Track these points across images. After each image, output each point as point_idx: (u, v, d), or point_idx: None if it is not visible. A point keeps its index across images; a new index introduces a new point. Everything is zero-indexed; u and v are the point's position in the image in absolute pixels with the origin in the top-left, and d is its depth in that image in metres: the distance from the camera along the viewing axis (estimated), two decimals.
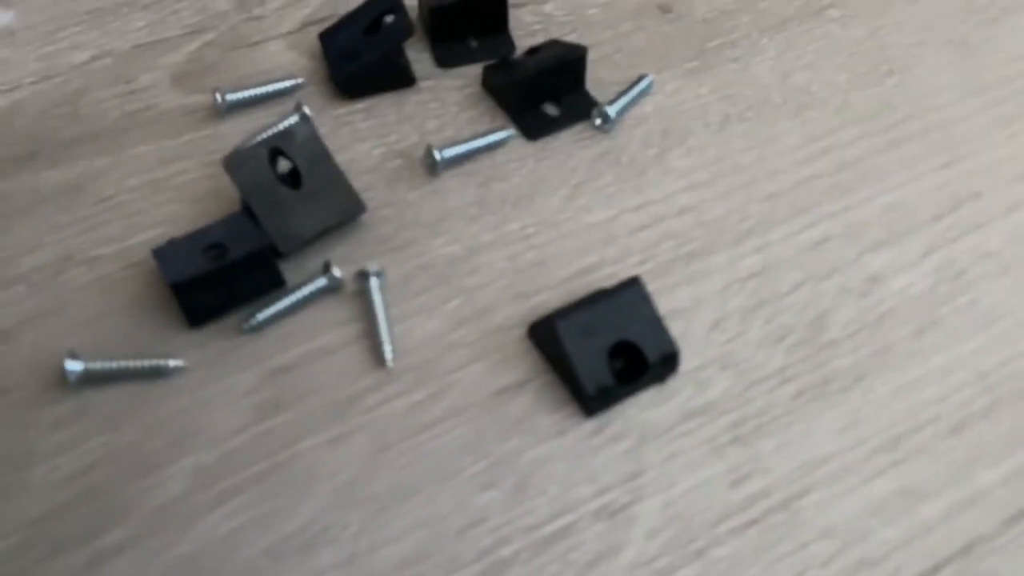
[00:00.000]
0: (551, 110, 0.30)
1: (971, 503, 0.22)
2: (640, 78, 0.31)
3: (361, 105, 0.31)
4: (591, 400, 0.23)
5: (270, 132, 0.27)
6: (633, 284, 0.24)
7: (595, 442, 0.23)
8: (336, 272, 0.25)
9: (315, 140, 0.27)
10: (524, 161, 0.29)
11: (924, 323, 0.26)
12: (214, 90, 0.30)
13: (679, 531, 0.22)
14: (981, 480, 0.23)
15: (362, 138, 0.30)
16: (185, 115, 0.30)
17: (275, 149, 0.26)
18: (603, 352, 0.23)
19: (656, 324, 0.24)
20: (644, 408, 0.24)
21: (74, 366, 0.23)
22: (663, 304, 0.25)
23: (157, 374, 0.24)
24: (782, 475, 0.23)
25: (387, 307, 0.25)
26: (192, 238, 0.25)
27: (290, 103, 0.30)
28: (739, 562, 0.21)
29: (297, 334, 0.25)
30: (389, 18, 0.31)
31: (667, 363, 0.24)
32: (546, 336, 0.24)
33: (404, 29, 0.30)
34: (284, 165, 0.27)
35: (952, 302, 0.26)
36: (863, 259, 0.27)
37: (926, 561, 0.21)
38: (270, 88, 0.30)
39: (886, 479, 0.23)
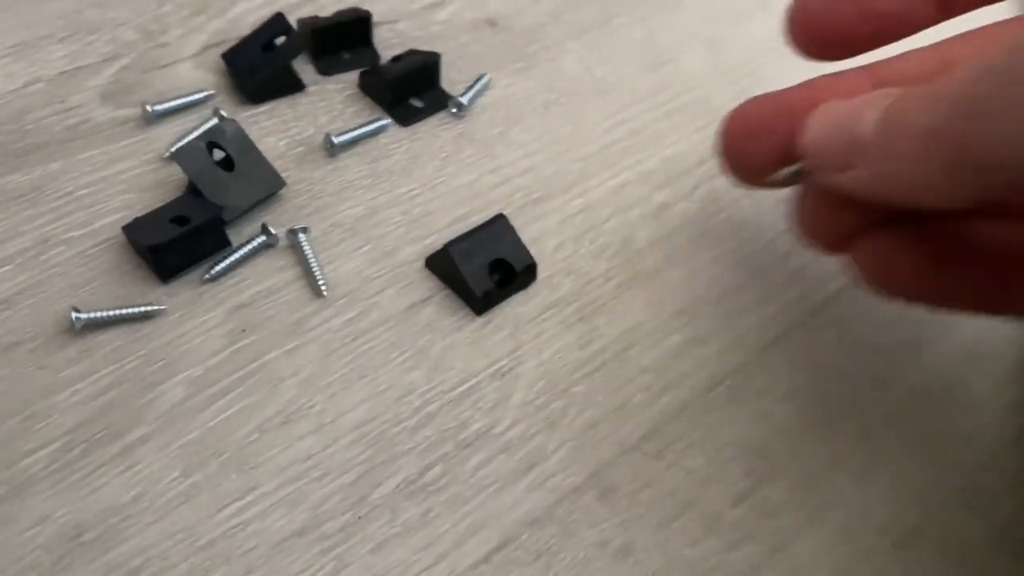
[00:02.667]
0: (416, 103, 0.39)
1: (735, 343, 0.33)
2: (481, 76, 0.40)
3: (263, 108, 0.38)
4: (479, 302, 0.32)
5: (203, 130, 0.34)
6: (499, 219, 0.33)
7: (484, 332, 0.32)
8: (272, 230, 0.33)
9: (241, 133, 0.34)
10: (401, 143, 0.38)
11: (696, 233, 0.36)
12: (142, 103, 0.37)
13: (549, 380, 0.31)
14: (743, 325, 0.34)
15: (268, 133, 0.37)
16: (119, 125, 0.37)
17: (210, 142, 0.34)
18: (484, 267, 0.32)
19: (519, 246, 0.33)
20: (516, 306, 0.33)
21: (79, 315, 0.30)
22: (521, 235, 0.34)
23: (145, 317, 0.31)
24: (612, 338, 0.33)
25: (316, 254, 0.33)
26: (154, 215, 0.33)
27: (206, 111, 0.38)
28: (591, 394, 0.31)
29: (248, 280, 0.33)
30: (280, 39, 0.39)
31: (529, 272, 0.33)
32: (441, 262, 0.33)
33: (296, 47, 0.38)
34: (218, 155, 0.34)
35: (715, 218, 0.37)
36: (653, 195, 0.38)
37: (708, 382, 0.32)
38: (189, 99, 0.37)
39: (679, 335, 0.33)
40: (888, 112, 0.24)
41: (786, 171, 0.28)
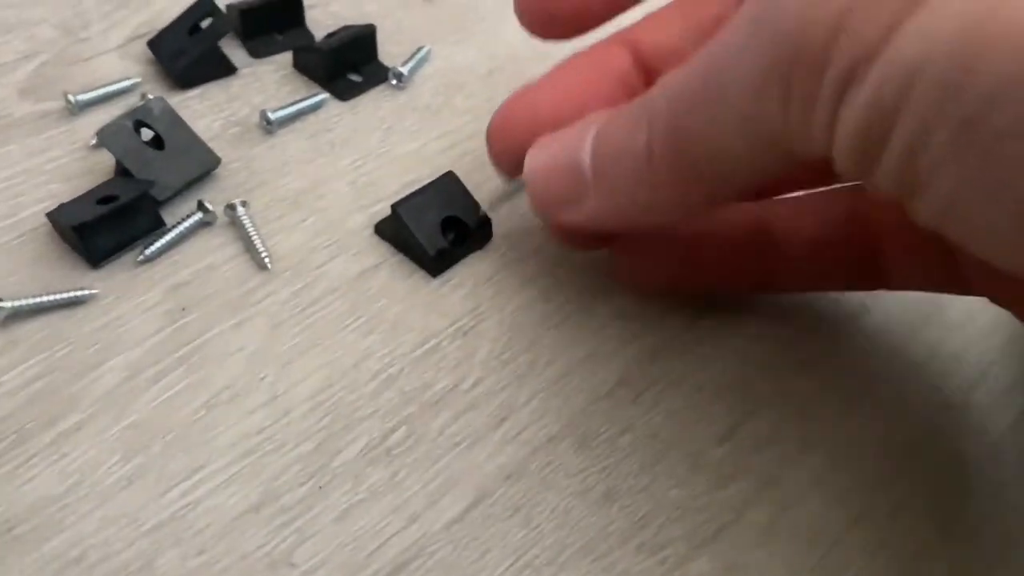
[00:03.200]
0: (355, 78, 0.38)
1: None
2: (420, 48, 0.39)
3: (194, 92, 0.37)
4: (433, 261, 0.31)
5: (130, 110, 0.33)
6: (448, 175, 0.32)
7: (442, 291, 0.31)
8: (209, 207, 0.31)
9: (170, 111, 0.33)
10: (342, 116, 0.36)
11: None
12: (65, 93, 0.35)
13: (514, 335, 0.29)
14: None
15: (201, 116, 0.36)
16: (41, 118, 0.35)
17: (138, 121, 0.32)
18: (436, 224, 0.31)
19: (470, 201, 0.32)
20: (473, 265, 0.31)
21: (1, 304, 0.28)
22: (475, 197, 0.33)
23: (76, 303, 0.29)
24: (578, 288, 0.31)
25: (257, 228, 0.31)
26: (81, 199, 0.31)
27: (133, 99, 0.36)
28: (559, 345, 0.29)
29: (186, 259, 0.31)
30: (206, 21, 0.37)
31: (484, 228, 0.32)
32: (391, 225, 0.31)
33: (223, 26, 0.36)
34: (146, 135, 0.32)
35: None
36: None
37: (681, 324, 0.31)
38: (114, 87, 0.36)
39: None
40: (597, 140, 0.24)
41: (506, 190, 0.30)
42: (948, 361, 0.30)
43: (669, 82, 0.22)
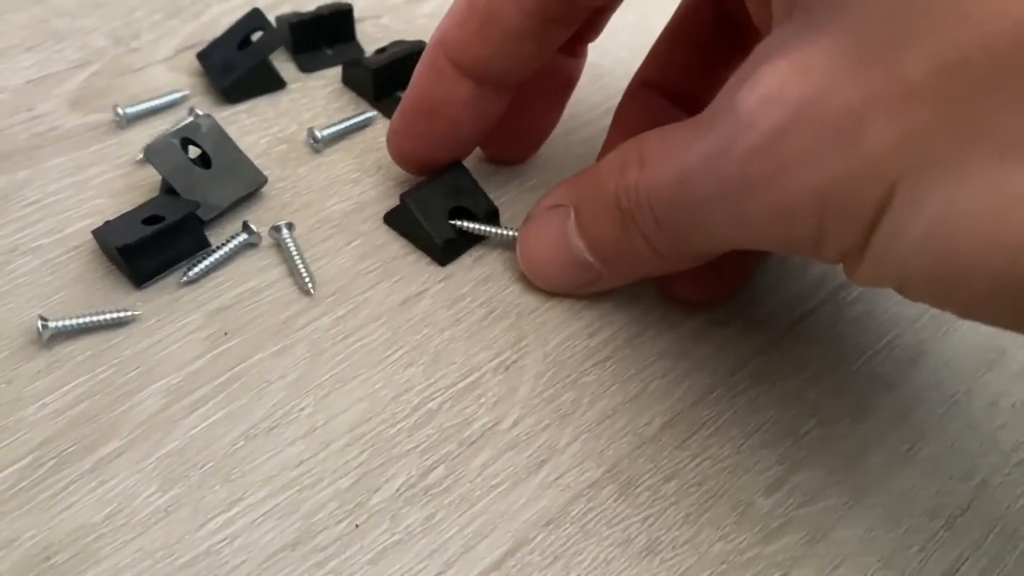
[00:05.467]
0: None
1: (758, 323, 0.31)
2: None
3: (242, 107, 0.36)
4: (441, 251, 0.31)
5: (178, 127, 0.32)
6: (458, 166, 0.32)
7: (485, 323, 0.30)
8: (254, 228, 0.31)
9: (217, 129, 0.32)
10: None
11: None
12: (114, 106, 0.35)
13: (557, 371, 0.29)
14: (766, 304, 0.31)
15: (248, 132, 0.35)
16: (89, 131, 0.35)
17: (185, 139, 0.32)
18: (443, 213, 0.31)
19: (479, 192, 0.32)
20: (517, 297, 0.31)
21: (46, 324, 0.28)
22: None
23: (119, 324, 0.29)
24: (622, 324, 0.30)
25: (302, 251, 0.31)
26: (126, 217, 0.30)
27: (181, 112, 0.36)
28: (603, 384, 0.29)
29: (229, 281, 0.30)
30: (256, 35, 0.37)
31: (492, 219, 0.32)
32: (399, 216, 0.32)
33: (274, 41, 0.36)
34: (193, 152, 0.32)
35: None
36: None
37: (730, 365, 0.30)
38: (162, 100, 0.36)
39: (695, 318, 0.31)
40: (589, 241, 0.28)
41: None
42: (1009, 413, 0.29)
43: (651, 183, 0.25)
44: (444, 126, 0.30)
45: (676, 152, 0.24)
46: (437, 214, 0.31)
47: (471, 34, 0.28)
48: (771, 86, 0.20)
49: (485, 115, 0.30)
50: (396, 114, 0.31)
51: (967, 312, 0.20)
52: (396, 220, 0.32)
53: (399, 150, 0.32)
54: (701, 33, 0.31)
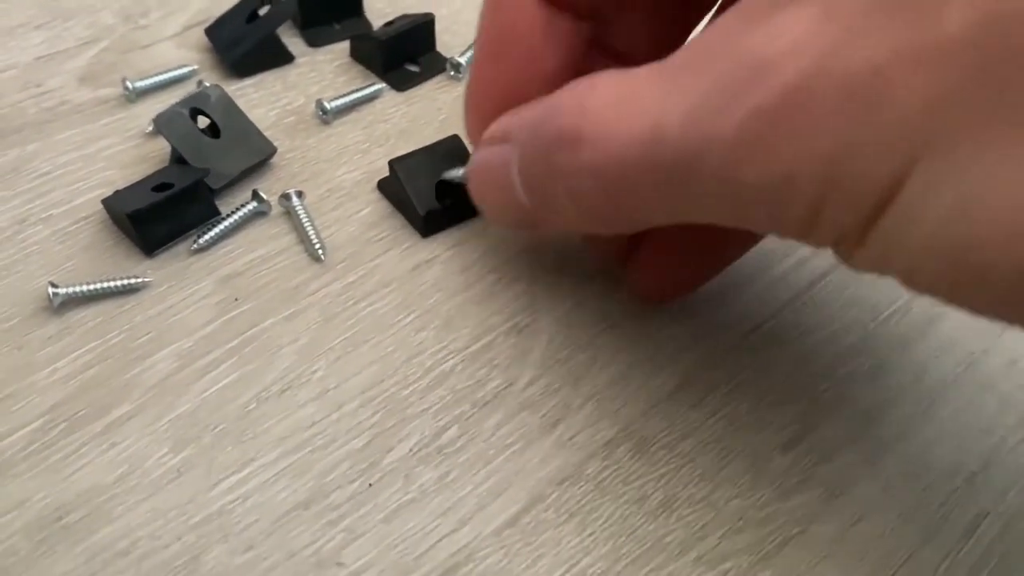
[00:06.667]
0: (412, 68, 0.37)
1: (773, 285, 0.31)
2: None
3: (250, 81, 0.36)
4: (423, 221, 0.30)
5: (187, 96, 0.32)
6: (453, 138, 0.31)
7: (497, 288, 0.30)
8: (264, 196, 0.31)
9: (226, 99, 0.32)
10: (398, 107, 0.36)
11: None
12: (123, 80, 0.35)
13: (571, 334, 0.29)
14: (781, 267, 0.31)
15: (257, 105, 0.35)
16: (99, 104, 0.35)
17: (194, 109, 0.32)
18: (430, 185, 0.30)
19: None
20: (530, 261, 0.31)
21: (56, 290, 0.28)
22: None
23: (129, 291, 0.29)
24: None
25: (312, 218, 0.31)
26: (136, 186, 0.30)
27: (190, 87, 0.36)
28: (617, 346, 0.28)
29: (240, 249, 0.30)
30: (264, 9, 0.37)
31: None
32: (390, 183, 0.31)
33: (281, 15, 0.36)
34: (202, 122, 0.32)
35: None
36: None
37: (745, 326, 0.29)
38: (171, 75, 0.35)
39: (710, 282, 0.31)
40: (522, 179, 0.24)
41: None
42: None
43: (599, 144, 0.21)
44: (520, 64, 0.26)
45: (641, 101, 0.20)
46: (423, 184, 0.30)
47: None
48: (795, 33, 0.17)
49: (564, 46, 0.26)
50: (470, 68, 0.27)
51: (981, 311, 0.18)
52: (387, 187, 0.32)
53: (477, 110, 0.27)
54: None
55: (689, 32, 0.28)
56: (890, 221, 0.17)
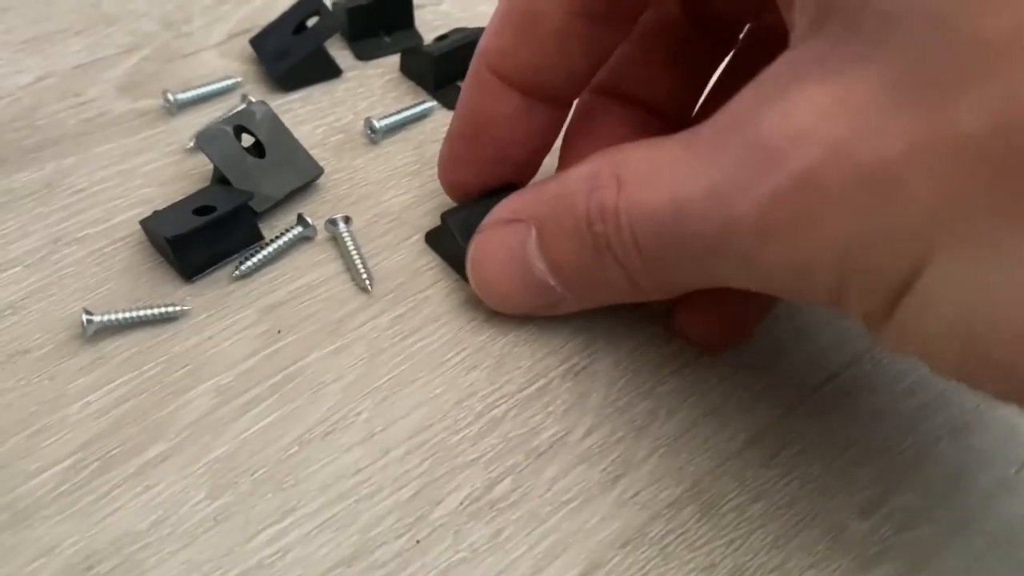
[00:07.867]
0: None
1: (847, 333, 0.29)
2: None
3: (296, 96, 0.35)
4: None
5: (231, 113, 0.31)
6: (510, 187, 0.29)
7: (553, 325, 0.28)
8: (309, 221, 0.29)
9: (273, 117, 0.31)
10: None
11: None
12: (164, 91, 0.33)
13: (631, 378, 0.27)
14: None
15: (303, 121, 0.34)
16: (138, 117, 0.33)
17: (239, 127, 0.30)
18: None
19: None
20: None
21: (91, 318, 0.26)
22: None
23: (167, 319, 0.27)
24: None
25: (359, 246, 0.29)
26: (176, 207, 0.29)
27: (233, 100, 0.34)
28: (681, 394, 0.27)
29: (283, 276, 0.29)
30: (312, 20, 0.35)
31: None
32: (440, 236, 0.29)
33: (330, 26, 0.35)
34: (246, 140, 0.30)
35: None
36: None
37: (818, 378, 0.27)
38: (214, 87, 0.34)
39: (780, 327, 0.29)
40: (553, 265, 0.25)
41: None
42: None
43: (637, 208, 0.22)
44: (492, 148, 0.27)
45: (669, 174, 0.21)
46: None
47: (511, 39, 0.25)
48: (807, 119, 0.18)
49: (537, 134, 0.27)
50: (444, 140, 0.28)
51: (1005, 400, 0.18)
52: (436, 240, 0.30)
53: (448, 179, 0.29)
54: (673, 32, 0.28)
55: (710, 75, 0.28)
56: (906, 310, 0.18)
